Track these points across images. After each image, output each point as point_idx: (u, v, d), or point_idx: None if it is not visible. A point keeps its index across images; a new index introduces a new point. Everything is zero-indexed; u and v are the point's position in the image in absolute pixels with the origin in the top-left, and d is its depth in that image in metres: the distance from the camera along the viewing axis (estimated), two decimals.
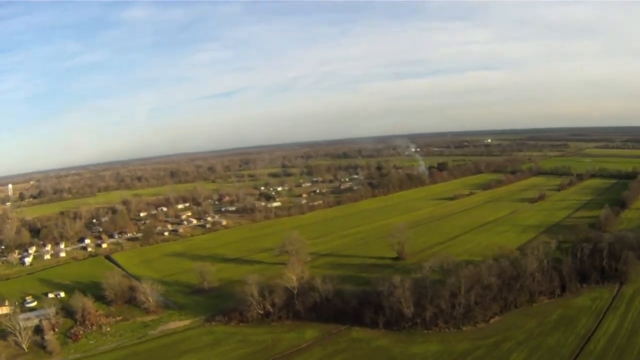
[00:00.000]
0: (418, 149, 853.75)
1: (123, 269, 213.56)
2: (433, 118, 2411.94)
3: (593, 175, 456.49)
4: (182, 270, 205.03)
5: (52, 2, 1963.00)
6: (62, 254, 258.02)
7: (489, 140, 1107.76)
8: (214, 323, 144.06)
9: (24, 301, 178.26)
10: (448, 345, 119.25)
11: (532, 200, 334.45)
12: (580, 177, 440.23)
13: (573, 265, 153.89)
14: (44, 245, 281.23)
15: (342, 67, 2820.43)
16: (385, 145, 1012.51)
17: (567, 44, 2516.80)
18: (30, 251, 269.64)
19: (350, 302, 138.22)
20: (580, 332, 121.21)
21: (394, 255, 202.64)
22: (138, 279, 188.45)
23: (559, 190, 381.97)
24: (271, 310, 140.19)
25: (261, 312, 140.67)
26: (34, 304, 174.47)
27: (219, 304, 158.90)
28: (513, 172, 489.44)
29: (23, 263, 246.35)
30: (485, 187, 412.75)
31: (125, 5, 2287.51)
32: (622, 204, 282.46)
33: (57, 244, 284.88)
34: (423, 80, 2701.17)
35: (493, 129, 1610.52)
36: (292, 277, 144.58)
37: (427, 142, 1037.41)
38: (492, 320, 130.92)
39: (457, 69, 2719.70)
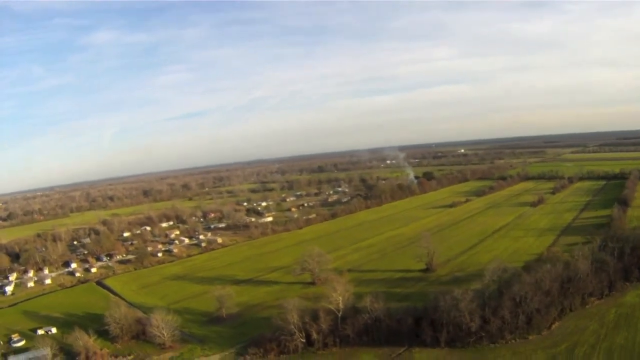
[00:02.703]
0: (397, 160, 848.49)
1: (121, 297, 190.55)
2: (403, 131, 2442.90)
3: (582, 178, 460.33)
4: (190, 296, 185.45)
5: (15, 26, 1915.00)
6: (48, 281, 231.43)
7: (463, 150, 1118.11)
8: (248, 357, 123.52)
9: (9, 340, 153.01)
10: (523, 357, 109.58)
11: (533, 204, 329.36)
12: (570, 180, 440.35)
13: (617, 265, 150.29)
14: (26, 272, 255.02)
15: (308, 86, 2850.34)
16: (358, 159, 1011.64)
17: (530, 57, 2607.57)
18: (10, 278, 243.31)
19: (406, 320, 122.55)
20: None
21: (422, 266, 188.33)
22: (142, 308, 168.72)
23: (553, 193, 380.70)
24: (315, 337, 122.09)
25: (303, 340, 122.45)
26: (22, 343, 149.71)
27: (245, 333, 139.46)
28: (503, 178, 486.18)
29: (4, 292, 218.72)
30: (480, 193, 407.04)
31: (91, 29, 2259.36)
32: (624, 203, 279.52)
33: (40, 269, 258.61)
34: (390, 96, 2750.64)
35: (464, 139, 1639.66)
36: (338, 298, 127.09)
37: (395, 154, 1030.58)
38: (553, 326, 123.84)
39: (423, 85, 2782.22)
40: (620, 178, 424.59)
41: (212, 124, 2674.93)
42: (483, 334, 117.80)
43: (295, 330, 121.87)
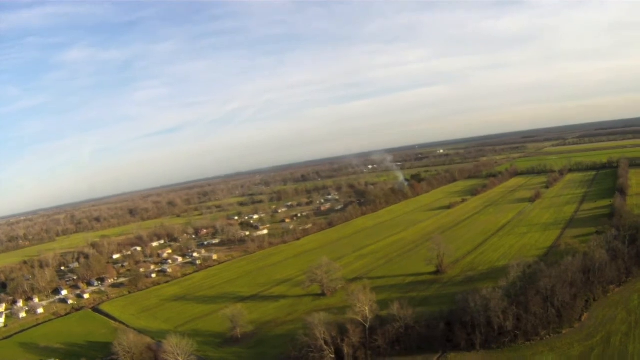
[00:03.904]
0: (382, 164, 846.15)
1: (122, 323, 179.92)
2: (380, 135, 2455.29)
3: (571, 170, 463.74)
4: (196, 317, 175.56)
5: None
6: (40, 310, 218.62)
7: (442, 151, 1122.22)
8: None
9: None
10: (562, 353, 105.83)
11: (531, 200, 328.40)
12: (561, 173, 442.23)
13: (631, 251, 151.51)
14: (15, 302, 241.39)
15: (283, 95, 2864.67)
16: (339, 165, 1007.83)
17: (502, 54, 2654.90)
18: (0, 309, 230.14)
19: (437, 325, 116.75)
20: None
21: (431, 269, 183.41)
22: (146, 333, 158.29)
23: (547, 187, 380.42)
24: (347, 351, 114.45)
25: (332, 355, 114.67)
26: None
27: (265, 353, 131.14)
28: (493, 176, 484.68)
29: None
30: (474, 192, 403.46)
31: (64, 47, 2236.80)
32: (621, 192, 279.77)
33: (30, 298, 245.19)
34: (366, 101, 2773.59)
35: (441, 140, 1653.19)
36: (365, 308, 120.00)
37: (383, 158, 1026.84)
38: (583, 318, 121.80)
39: (399, 88, 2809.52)
40: (609, 167, 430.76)
41: (190, 139, 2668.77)
42: (517, 332, 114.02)
43: (325, 346, 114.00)
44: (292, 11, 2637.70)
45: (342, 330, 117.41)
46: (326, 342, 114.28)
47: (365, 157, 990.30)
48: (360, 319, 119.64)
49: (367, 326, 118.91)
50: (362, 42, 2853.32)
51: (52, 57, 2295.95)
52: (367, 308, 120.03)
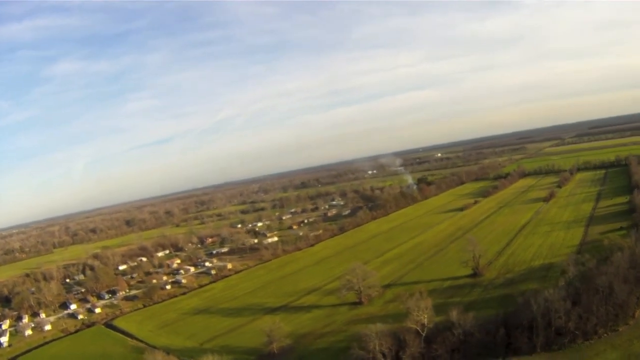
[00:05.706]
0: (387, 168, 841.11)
1: (140, 340, 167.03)
2: (372, 141, 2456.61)
3: (580, 169, 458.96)
4: (223, 332, 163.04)
5: None
6: (47, 327, 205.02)
7: (439, 155, 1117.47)
8: None
9: None
10: (624, 351, 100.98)
11: (545, 199, 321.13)
12: (571, 172, 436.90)
13: None
14: (20, 318, 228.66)
15: (274, 103, 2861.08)
16: (339, 171, 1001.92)
17: (493, 55, 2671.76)
18: (3, 326, 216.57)
19: (497, 330, 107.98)
20: None
21: (468, 272, 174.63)
22: (171, 351, 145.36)
23: (560, 186, 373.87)
24: None
25: None
26: None
27: None
28: (502, 177, 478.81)
29: None
30: (485, 194, 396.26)
31: (54, 60, 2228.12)
32: (638, 188, 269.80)
33: (36, 313, 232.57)
34: (356, 106, 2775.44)
35: (436, 143, 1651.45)
36: (423, 316, 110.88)
37: (382, 163, 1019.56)
38: (636, 315, 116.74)
39: (388, 92, 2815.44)
40: (618, 166, 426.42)
41: (182, 149, 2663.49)
42: (577, 333, 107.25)
43: None
44: (281, 20, 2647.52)
45: (398, 341, 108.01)
46: (384, 355, 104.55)
47: (371, 161, 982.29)
48: (417, 328, 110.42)
49: (424, 335, 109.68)
50: (351, 48, 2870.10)
51: (42, 70, 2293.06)
52: (425, 316, 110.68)
